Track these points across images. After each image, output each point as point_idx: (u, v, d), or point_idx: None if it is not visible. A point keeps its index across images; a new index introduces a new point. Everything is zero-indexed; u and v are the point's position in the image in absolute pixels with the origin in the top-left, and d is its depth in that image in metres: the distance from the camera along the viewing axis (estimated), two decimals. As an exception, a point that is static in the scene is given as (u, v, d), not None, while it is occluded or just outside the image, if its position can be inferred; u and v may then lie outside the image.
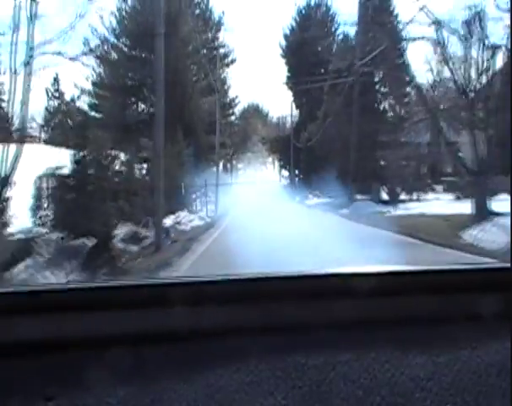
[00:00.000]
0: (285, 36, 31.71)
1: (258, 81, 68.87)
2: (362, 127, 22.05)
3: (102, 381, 0.72)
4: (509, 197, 12.45)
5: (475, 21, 14.88)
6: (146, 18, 16.45)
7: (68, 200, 10.90)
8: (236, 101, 30.19)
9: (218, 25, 27.05)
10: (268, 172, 34.62)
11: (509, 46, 14.41)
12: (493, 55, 14.74)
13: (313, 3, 30.78)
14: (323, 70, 28.29)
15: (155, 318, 0.78)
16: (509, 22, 14.12)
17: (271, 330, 0.80)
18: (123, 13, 21.30)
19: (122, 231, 11.79)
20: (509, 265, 0.91)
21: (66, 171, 11.31)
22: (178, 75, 17.57)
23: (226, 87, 28.21)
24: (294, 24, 31.83)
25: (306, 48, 29.91)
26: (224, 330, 0.79)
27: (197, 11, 23.58)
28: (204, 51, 22.81)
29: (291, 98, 32.72)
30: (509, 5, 14.81)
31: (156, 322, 0.78)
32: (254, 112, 36.85)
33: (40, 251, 9.35)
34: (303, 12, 30.45)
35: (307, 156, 29.58)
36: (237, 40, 51.90)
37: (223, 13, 28.38)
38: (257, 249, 7.34)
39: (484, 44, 14.70)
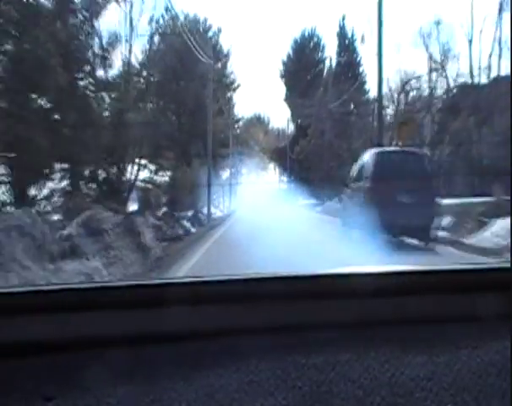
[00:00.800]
0: (283, 62, 37.53)
1: (262, 94, 75.20)
2: (334, 147, 30.24)
3: (102, 382, 0.73)
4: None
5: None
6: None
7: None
8: (240, 117, 36.14)
9: (227, 57, 32.98)
10: (268, 177, 40.34)
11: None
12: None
13: (306, 35, 36.64)
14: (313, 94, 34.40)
15: (155, 318, 0.78)
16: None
17: (271, 330, 0.80)
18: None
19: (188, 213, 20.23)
20: (509, 265, 0.92)
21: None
22: (199, 102, 23.40)
23: (232, 105, 34.15)
24: (291, 51, 37.67)
25: (300, 73, 35.62)
26: (224, 330, 0.79)
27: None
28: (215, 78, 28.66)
29: (290, 113, 38.66)
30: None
31: (156, 322, 0.78)
32: (257, 122, 42.51)
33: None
34: (298, 41, 36.33)
35: (298, 166, 35.71)
36: (244, 63, 57.75)
37: (231, 46, 34.26)
38: (257, 225, 11.81)
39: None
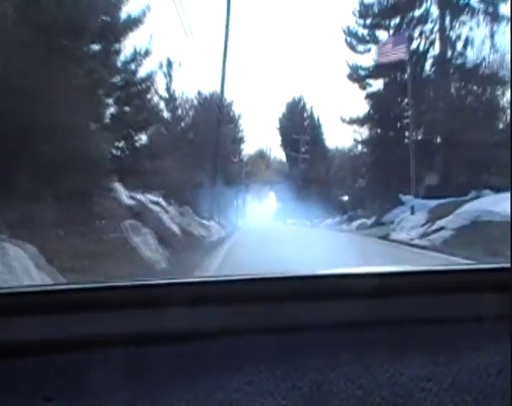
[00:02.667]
0: (279, 119, 50.49)
1: (266, 132, 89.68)
2: (308, 188, 41.71)
3: (102, 382, 0.72)
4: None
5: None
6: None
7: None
8: (247, 156, 49.51)
9: (239, 118, 46.42)
10: (268, 202, 53.02)
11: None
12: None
13: (296, 99, 49.95)
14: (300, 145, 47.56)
15: (155, 318, 0.78)
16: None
17: (271, 330, 0.80)
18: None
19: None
20: (509, 265, 0.91)
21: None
22: (221, 153, 34.13)
23: (241, 151, 47.47)
24: (285, 111, 51.08)
25: (291, 128, 48.92)
26: (224, 330, 0.79)
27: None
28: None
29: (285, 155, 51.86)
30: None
31: (156, 322, 0.78)
32: (260, 157, 55.87)
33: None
34: (290, 104, 49.77)
35: (290, 197, 48.75)
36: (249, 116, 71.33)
37: (241, 112, 47.37)
38: (259, 232, 22.10)
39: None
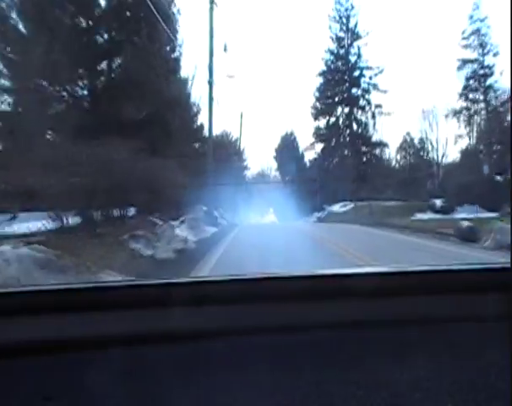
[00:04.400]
0: (275, 149, 58.40)
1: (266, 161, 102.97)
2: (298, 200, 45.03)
3: (102, 381, 0.72)
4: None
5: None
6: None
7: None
8: (250, 178, 61.40)
9: (243, 151, 58.05)
10: (268, 218, 59.64)
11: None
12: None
13: (289, 132, 59.38)
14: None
15: (155, 318, 0.78)
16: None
17: (271, 330, 0.80)
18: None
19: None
20: (509, 265, 0.91)
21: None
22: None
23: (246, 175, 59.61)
24: (280, 142, 62.08)
25: (285, 157, 58.48)
26: (224, 330, 0.79)
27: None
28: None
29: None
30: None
31: (156, 322, 0.78)
32: (261, 177, 67.79)
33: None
34: (284, 137, 60.38)
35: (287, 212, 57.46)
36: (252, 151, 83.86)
37: (245, 146, 57.94)
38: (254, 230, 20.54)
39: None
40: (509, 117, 25.14)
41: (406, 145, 35.87)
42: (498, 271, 0.95)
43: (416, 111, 54.51)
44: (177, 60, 19.93)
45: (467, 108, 31.16)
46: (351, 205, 25.12)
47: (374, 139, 36.84)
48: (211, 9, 21.65)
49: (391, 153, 37.80)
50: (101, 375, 0.73)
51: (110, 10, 15.31)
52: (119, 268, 6.96)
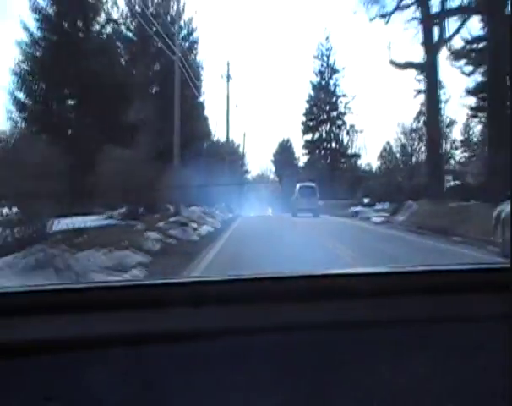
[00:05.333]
0: (273, 154, 62.52)
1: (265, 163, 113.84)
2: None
3: (102, 381, 0.70)
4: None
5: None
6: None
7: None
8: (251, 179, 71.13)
9: (244, 156, 67.95)
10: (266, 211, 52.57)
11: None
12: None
13: (285, 139, 52.19)
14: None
15: (155, 318, 0.75)
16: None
17: (271, 330, 0.77)
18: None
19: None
20: (509, 265, 0.90)
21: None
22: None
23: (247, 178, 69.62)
24: (278, 148, 69.85)
25: (282, 163, 64.09)
26: (224, 330, 0.76)
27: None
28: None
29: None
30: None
31: (156, 322, 0.75)
32: (260, 178, 77.07)
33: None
34: (281, 143, 68.52)
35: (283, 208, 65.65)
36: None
37: (246, 152, 66.66)
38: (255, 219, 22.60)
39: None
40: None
41: (386, 153, 40.83)
42: (498, 271, 0.92)
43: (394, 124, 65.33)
44: (202, 104, 27.80)
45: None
46: (322, 202, 35.93)
47: (350, 151, 42.31)
48: (228, 82, 30.43)
49: (372, 162, 43.21)
50: (101, 375, 0.70)
51: (159, 72, 21.96)
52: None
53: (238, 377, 0.72)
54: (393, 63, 22.74)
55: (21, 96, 18.76)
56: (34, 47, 18.61)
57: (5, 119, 18.37)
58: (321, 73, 45.79)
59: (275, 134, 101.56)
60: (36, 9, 18.10)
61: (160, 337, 0.75)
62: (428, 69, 20.19)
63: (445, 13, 19.78)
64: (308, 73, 57.50)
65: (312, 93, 44.52)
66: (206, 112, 29.37)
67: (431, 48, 19.92)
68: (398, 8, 21.19)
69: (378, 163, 47.90)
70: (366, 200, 25.72)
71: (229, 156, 35.14)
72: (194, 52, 24.94)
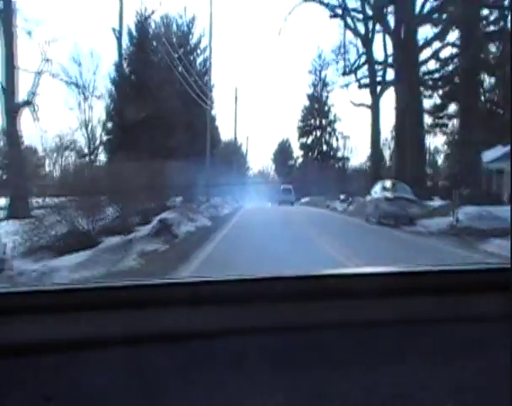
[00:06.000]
0: (273, 153, 56.28)
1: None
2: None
3: (102, 381, 0.71)
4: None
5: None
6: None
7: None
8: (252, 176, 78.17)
9: (246, 154, 74.29)
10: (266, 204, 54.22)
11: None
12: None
13: (284, 139, 57.16)
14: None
15: (155, 318, 0.76)
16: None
17: (271, 330, 0.78)
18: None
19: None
20: (508, 265, 0.89)
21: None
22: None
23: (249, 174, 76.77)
24: (277, 148, 63.15)
25: (281, 161, 54.97)
26: (224, 330, 0.77)
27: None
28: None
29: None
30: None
31: (156, 322, 0.76)
32: (261, 175, 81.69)
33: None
34: (280, 143, 65.58)
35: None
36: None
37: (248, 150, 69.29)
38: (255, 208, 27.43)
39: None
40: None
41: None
42: (498, 271, 0.93)
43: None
44: (214, 117, 32.61)
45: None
46: (309, 198, 43.68)
47: (339, 154, 47.60)
48: (236, 104, 37.40)
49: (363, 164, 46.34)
50: (101, 375, 0.70)
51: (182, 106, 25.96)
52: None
53: (238, 377, 0.72)
54: (351, 102, 31.45)
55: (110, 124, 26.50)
56: (117, 92, 26.17)
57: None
58: (314, 85, 50.61)
59: (275, 134, 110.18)
60: (116, 67, 26.45)
61: (159, 337, 0.75)
62: (372, 108, 28.61)
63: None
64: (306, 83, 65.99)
65: (307, 103, 50.25)
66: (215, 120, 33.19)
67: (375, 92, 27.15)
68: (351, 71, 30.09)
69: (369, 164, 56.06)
70: (342, 196, 33.03)
71: (234, 156, 40.97)
72: (208, 74, 29.80)
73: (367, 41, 27.78)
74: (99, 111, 36.59)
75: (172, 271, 7.05)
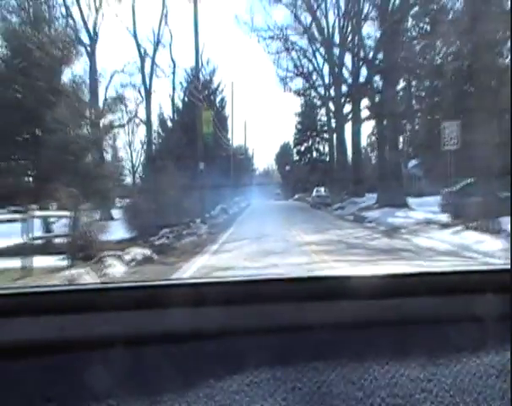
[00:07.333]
0: (276, 154, 61.57)
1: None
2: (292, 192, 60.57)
3: (102, 382, 0.70)
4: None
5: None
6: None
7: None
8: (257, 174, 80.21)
9: (253, 155, 79.20)
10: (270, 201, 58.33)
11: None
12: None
13: (286, 142, 61.40)
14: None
15: (155, 319, 0.76)
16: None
17: (271, 331, 0.77)
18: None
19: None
20: (509, 266, 0.88)
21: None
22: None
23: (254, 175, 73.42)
24: (280, 150, 61.74)
25: (282, 163, 58.64)
26: (224, 331, 0.76)
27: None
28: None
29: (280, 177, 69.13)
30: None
31: (156, 323, 0.75)
32: (266, 174, 68.40)
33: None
34: (282, 145, 62.70)
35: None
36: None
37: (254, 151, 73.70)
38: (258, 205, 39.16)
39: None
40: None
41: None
42: (499, 272, 0.92)
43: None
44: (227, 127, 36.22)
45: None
46: (300, 195, 42.11)
47: (327, 159, 50.26)
48: (245, 129, 40.61)
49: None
50: (101, 376, 0.69)
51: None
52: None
53: (238, 378, 0.72)
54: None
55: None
56: (161, 127, 34.36)
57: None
58: (304, 106, 58.58)
59: (278, 136, 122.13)
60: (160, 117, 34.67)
61: (160, 337, 0.75)
62: (337, 131, 36.10)
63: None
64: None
65: (300, 117, 57.68)
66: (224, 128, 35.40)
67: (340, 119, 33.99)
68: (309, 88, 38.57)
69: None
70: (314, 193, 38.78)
71: (243, 164, 47.53)
72: (224, 104, 35.69)
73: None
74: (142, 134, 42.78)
75: (237, 217, 24.25)
